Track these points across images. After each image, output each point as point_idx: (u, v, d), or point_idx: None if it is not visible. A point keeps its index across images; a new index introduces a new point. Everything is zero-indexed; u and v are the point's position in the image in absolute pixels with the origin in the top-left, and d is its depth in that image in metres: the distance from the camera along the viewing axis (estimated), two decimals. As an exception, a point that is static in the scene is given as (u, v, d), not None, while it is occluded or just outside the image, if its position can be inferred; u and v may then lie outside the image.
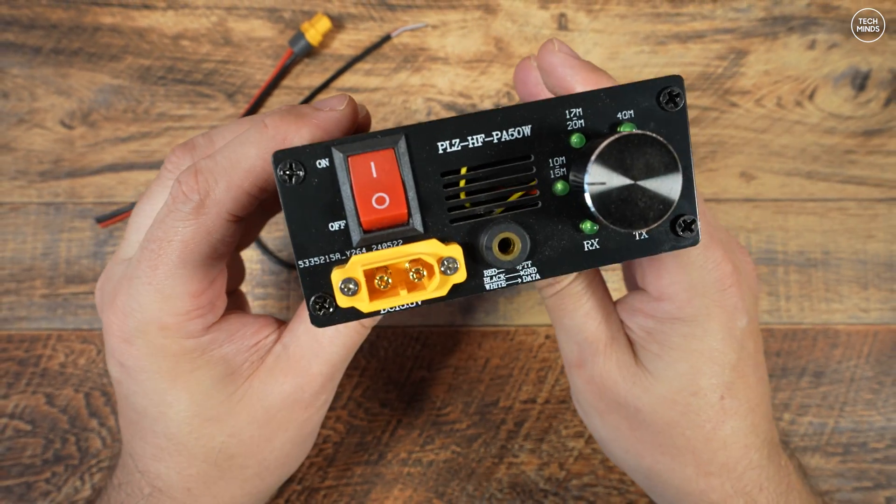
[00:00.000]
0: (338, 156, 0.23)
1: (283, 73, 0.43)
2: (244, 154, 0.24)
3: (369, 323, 0.28)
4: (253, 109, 0.43)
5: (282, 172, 0.22)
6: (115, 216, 0.42)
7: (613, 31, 0.44)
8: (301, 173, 0.23)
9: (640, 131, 0.22)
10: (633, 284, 0.33)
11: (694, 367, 0.28)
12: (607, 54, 0.44)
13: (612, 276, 0.43)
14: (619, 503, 0.42)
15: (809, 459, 0.42)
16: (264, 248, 0.43)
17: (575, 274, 0.29)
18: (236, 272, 0.34)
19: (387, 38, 0.43)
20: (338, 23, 0.44)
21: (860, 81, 0.44)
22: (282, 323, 0.29)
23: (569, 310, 0.29)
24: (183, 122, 0.43)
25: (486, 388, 0.42)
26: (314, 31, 0.42)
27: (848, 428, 0.42)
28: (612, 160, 0.22)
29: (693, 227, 0.25)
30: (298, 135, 0.24)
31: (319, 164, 0.23)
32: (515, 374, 0.43)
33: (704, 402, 0.29)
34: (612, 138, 0.22)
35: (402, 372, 0.42)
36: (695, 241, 0.25)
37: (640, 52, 0.44)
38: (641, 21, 0.44)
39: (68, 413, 0.42)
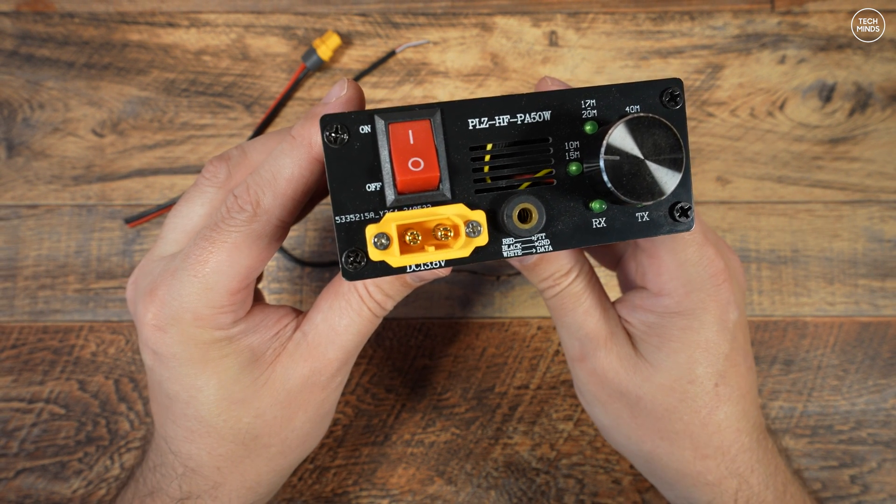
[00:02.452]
0: (380, 122, 0.24)
1: (297, 85, 0.47)
2: (282, 165, 0.27)
3: (380, 312, 0.30)
4: (269, 119, 0.46)
5: (328, 135, 0.24)
6: (143, 217, 0.45)
7: (600, 48, 0.47)
8: (345, 136, 0.24)
9: (649, 114, 0.24)
10: (626, 287, 0.35)
11: (691, 357, 0.30)
12: (594, 68, 0.47)
13: (612, 277, 0.47)
14: (605, 480, 0.45)
15: (780, 440, 0.46)
16: (279, 247, 0.46)
17: (574, 275, 0.31)
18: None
19: (392, 53, 0.47)
20: (347, 39, 0.47)
21: (826, 94, 0.48)
22: (299, 312, 0.32)
23: (569, 308, 0.31)
24: (205, 130, 0.46)
25: (483, 375, 0.46)
26: (325, 48, 0.46)
27: (815, 412, 0.46)
28: (625, 138, 0.24)
29: (689, 213, 0.26)
30: (319, 132, 0.27)
31: (362, 129, 0.24)
32: (510, 363, 0.46)
33: (700, 389, 0.31)
34: (627, 118, 0.24)
35: (406, 360, 0.46)
36: (689, 227, 0.27)
37: (624, 67, 0.47)
38: (626, 38, 0.48)
39: (99, 398, 0.45)
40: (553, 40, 0.47)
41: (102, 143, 0.46)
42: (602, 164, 0.24)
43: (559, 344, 0.46)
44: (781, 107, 0.47)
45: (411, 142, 0.24)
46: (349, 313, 0.30)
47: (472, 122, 0.25)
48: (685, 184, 0.26)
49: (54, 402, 0.45)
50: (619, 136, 0.24)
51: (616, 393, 0.32)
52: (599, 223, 0.26)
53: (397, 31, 0.47)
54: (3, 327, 0.45)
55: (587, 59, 0.47)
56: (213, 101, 0.46)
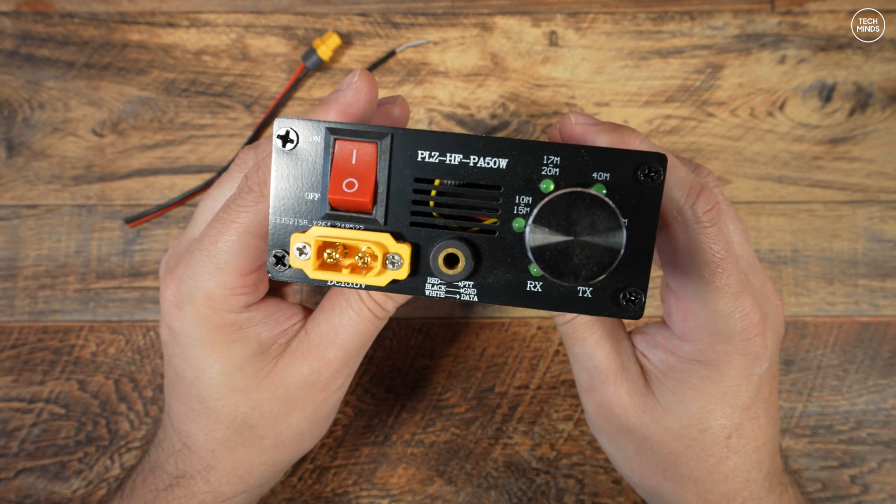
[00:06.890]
0: (328, 137, 0.25)
1: (297, 85, 0.47)
2: None
3: (380, 313, 0.30)
4: (268, 120, 0.46)
5: (279, 137, 0.25)
6: (143, 217, 0.45)
7: (600, 48, 0.47)
8: (295, 141, 0.25)
9: (594, 192, 0.22)
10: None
11: (706, 407, 0.29)
12: (594, 69, 0.47)
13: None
14: (605, 481, 0.45)
15: (780, 440, 0.46)
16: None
17: None
18: None
19: (392, 53, 0.47)
20: (347, 39, 0.47)
21: (826, 94, 0.48)
22: (310, 312, 0.32)
23: (579, 338, 0.31)
24: (204, 130, 0.46)
25: (483, 375, 0.46)
26: (325, 48, 0.46)
27: (815, 412, 0.46)
28: (559, 211, 0.22)
29: (637, 301, 0.24)
30: (327, 118, 0.27)
31: (313, 138, 0.25)
32: (510, 363, 0.46)
33: (711, 439, 0.30)
34: (564, 191, 0.22)
35: (406, 360, 0.46)
36: (637, 315, 0.25)
37: (624, 67, 0.47)
38: (626, 38, 0.48)
39: (99, 398, 0.45)
40: (553, 40, 0.47)
41: (102, 143, 0.46)
42: (528, 232, 0.22)
43: (559, 344, 0.46)
44: (781, 107, 0.47)
45: (353, 162, 0.25)
46: (349, 313, 0.30)
47: (423, 154, 0.25)
48: (641, 268, 0.24)
49: (54, 402, 0.45)
50: (553, 207, 0.22)
51: (622, 428, 0.31)
52: (534, 287, 0.25)
53: (397, 31, 0.47)
54: (3, 327, 0.45)
55: (587, 60, 0.47)
56: (213, 101, 0.46)
